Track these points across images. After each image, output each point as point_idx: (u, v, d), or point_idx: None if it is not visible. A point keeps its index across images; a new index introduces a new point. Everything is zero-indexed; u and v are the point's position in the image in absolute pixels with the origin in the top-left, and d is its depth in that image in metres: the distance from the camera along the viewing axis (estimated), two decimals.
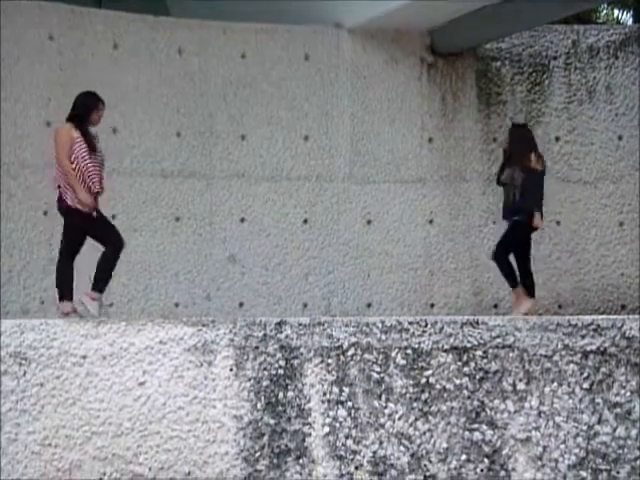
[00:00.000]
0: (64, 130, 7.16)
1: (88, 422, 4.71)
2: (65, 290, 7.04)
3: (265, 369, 4.71)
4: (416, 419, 4.64)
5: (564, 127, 10.55)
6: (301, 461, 4.66)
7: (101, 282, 6.98)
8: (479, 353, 4.65)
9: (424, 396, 4.66)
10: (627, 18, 15.87)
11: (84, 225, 7.07)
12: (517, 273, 8.64)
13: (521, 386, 4.64)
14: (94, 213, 7.07)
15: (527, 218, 8.51)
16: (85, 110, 7.21)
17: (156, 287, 9.68)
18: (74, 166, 7.02)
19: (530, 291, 8.61)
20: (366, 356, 4.69)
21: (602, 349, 4.61)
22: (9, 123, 9.31)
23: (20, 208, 9.37)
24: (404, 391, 4.66)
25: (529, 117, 10.54)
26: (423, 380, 4.66)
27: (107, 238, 7.09)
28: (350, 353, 4.70)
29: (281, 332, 4.74)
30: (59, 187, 7.14)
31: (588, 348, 4.63)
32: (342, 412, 4.67)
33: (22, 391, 4.73)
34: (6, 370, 4.76)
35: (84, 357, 4.74)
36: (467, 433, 4.62)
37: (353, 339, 4.70)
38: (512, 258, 8.68)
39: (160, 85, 9.76)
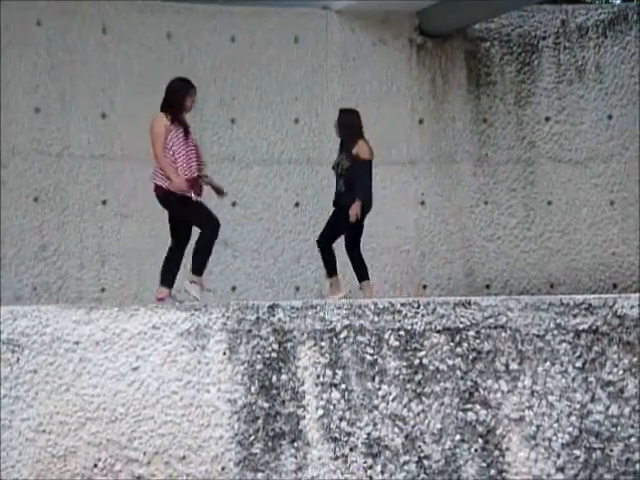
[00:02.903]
0: (158, 120, 7.19)
1: (82, 408, 4.71)
2: (164, 275, 7.12)
3: (258, 352, 4.71)
4: (410, 400, 4.66)
5: (554, 107, 10.55)
6: (296, 444, 4.67)
7: (199, 265, 7.06)
8: (472, 333, 4.67)
9: (417, 377, 4.67)
10: None
11: (181, 210, 7.09)
12: (336, 262, 8.32)
13: (514, 366, 4.65)
14: (192, 197, 7.08)
15: (351, 205, 8.18)
16: (179, 97, 7.22)
17: (149, 272, 9.67)
18: (170, 153, 7.08)
19: (365, 274, 8.38)
20: (359, 338, 4.70)
21: (594, 328, 4.63)
22: None
23: (11, 195, 9.35)
24: (397, 372, 4.67)
25: (519, 97, 10.54)
26: (416, 361, 4.67)
27: (203, 221, 7.12)
28: (343, 335, 4.71)
29: (274, 315, 4.74)
30: (155, 174, 7.18)
31: (580, 327, 4.65)
32: (336, 394, 4.69)
33: (15, 378, 4.73)
34: None
35: (77, 343, 4.74)
36: (461, 413, 4.64)
37: (346, 321, 4.71)
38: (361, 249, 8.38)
39: (149, 69, 9.72)
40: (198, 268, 7.16)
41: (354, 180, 8.22)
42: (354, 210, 8.15)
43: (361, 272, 8.38)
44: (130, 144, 9.70)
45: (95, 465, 4.73)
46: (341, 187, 8.34)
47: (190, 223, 7.27)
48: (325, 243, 8.35)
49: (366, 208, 8.36)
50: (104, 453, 4.72)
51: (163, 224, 9.95)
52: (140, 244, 9.67)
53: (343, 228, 8.28)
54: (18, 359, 4.77)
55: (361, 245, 8.52)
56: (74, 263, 9.51)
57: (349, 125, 8.39)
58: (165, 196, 7.19)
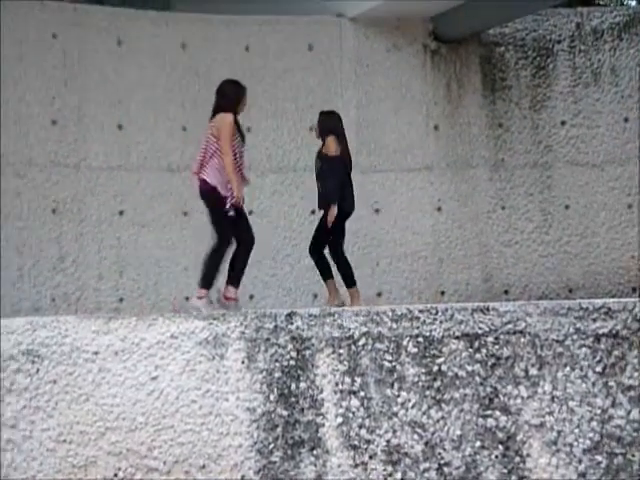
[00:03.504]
0: (229, 119, 7.04)
1: (102, 418, 4.72)
2: (206, 277, 7.03)
3: (277, 361, 4.71)
4: (429, 407, 4.64)
5: (570, 111, 10.52)
6: (315, 452, 4.66)
7: (234, 279, 6.99)
8: (490, 339, 4.65)
9: (436, 384, 4.66)
10: None
11: (219, 213, 7.00)
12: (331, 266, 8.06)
13: (533, 371, 4.63)
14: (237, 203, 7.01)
15: (327, 208, 7.93)
16: (235, 99, 7.17)
17: (166, 282, 9.70)
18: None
19: (351, 280, 8.13)
20: (377, 345, 4.69)
21: (614, 332, 4.60)
22: (15, 122, 9.32)
23: (29, 207, 9.39)
24: (416, 379, 4.66)
25: (535, 101, 10.52)
26: (435, 368, 4.66)
27: (241, 234, 7.06)
28: (361, 343, 4.70)
29: (292, 323, 4.74)
30: (203, 169, 7.09)
31: (600, 331, 4.62)
32: (355, 402, 4.68)
33: (35, 388, 4.75)
34: (19, 368, 4.78)
35: (96, 353, 4.75)
36: (481, 420, 4.62)
37: (364, 328, 4.70)
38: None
39: (164, 80, 9.76)
40: (233, 282, 7.08)
41: (326, 179, 7.97)
42: (330, 217, 7.88)
43: (347, 278, 8.21)
44: (146, 154, 9.74)
45: (115, 475, 4.74)
46: (319, 189, 8.11)
47: (224, 229, 7.14)
48: (315, 249, 8.10)
49: (348, 210, 8.11)
50: (124, 462, 4.73)
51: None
52: (158, 254, 9.70)
53: (324, 232, 8.02)
54: (38, 370, 4.79)
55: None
56: (92, 274, 9.54)
57: (324, 126, 8.13)
58: (209, 193, 7.07)
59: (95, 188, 9.62)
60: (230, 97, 7.15)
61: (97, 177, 9.63)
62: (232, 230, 7.05)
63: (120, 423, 4.73)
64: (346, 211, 8.12)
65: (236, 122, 7.12)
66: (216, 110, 7.18)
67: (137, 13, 9.77)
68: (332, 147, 8.00)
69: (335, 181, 7.95)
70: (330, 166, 7.96)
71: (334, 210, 7.91)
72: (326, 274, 8.10)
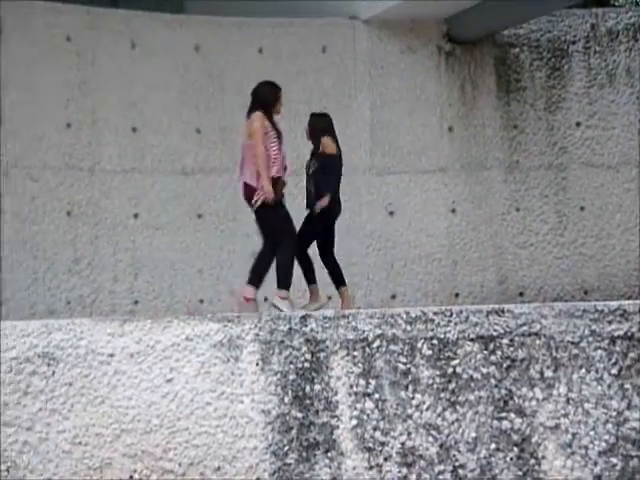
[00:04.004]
0: (259, 117, 7.14)
1: (117, 420, 4.73)
2: (254, 275, 7.03)
3: (291, 363, 4.71)
4: (444, 409, 4.64)
5: (585, 112, 10.49)
6: (330, 454, 4.66)
7: (283, 280, 6.98)
8: (505, 341, 4.64)
9: (451, 386, 4.65)
10: None
11: (264, 215, 7.01)
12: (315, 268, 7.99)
13: (549, 373, 4.62)
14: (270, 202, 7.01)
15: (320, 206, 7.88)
16: (268, 100, 7.21)
17: (181, 284, 9.72)
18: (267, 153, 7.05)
19: (341, 280, 8.08)
20: (392, 347, 4.68)
21: (629, 334, 4.59)
22: (29, 125, 9.36)
23: (44, 210, 9.43)
24: (431, 381, 4.65)
25: (549, 102, 10.49)
26: (450, 370, 4.65)
27: (284, 233, 7.05)
28: (376, 345, 4.70)
29: (306, 326, 4.74)
30: (245, 173, 7.11)
31: (615, 334, 4.61)
32: (369, 404, 4.68)
33: (51, 391, 4.77)
34: (35, 370, 4.80)
35: (111, 355, 4.77)
36: (495, 422, 4.61)
37: (378, 331, 4.70)
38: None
39: (178, 83, 9.78)
40: (283, 284, 7.09)
41: (323, 175, 7.93)
42: (323, 202, 7.83)
43: (337, 278, 8.17)
44: (161, 157, 9.76)
45: (131, 477, 4.75)
46: (311, 188, 8.08)
47: (269, 232, 7.14)
48: (299, 249, 7.94)
49: (336, 212, 8.09)
50: (140, 464, 4.74)
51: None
52: (172, 256, 9.72)
53: (315, 232, 7.98)
54: (53, 372, 4.80)
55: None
56: (107, 276, 9.57)
57: (316, 128, 8.14)
58: (251, 195, 7.10)
59: (109, 191, 9.65)
60: (262, 98, 7.23)
61: (111, 180, 9.66)
62: (289, 222, 7.04)
63: (135, 425, 4.74)
64: (338, 212, 8.14)
65: (271, 120, 7.16)
66: (249, 112, 7.25)
67: (151, 16, 9.79)
68: (332, 146, 8.02)
69: (337, 177, 7.96)
70: (331, 163, 7.95)
71: (326, 200, 7.84)
72: (312, 277, 7.99)
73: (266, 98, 7.25)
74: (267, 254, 7.12)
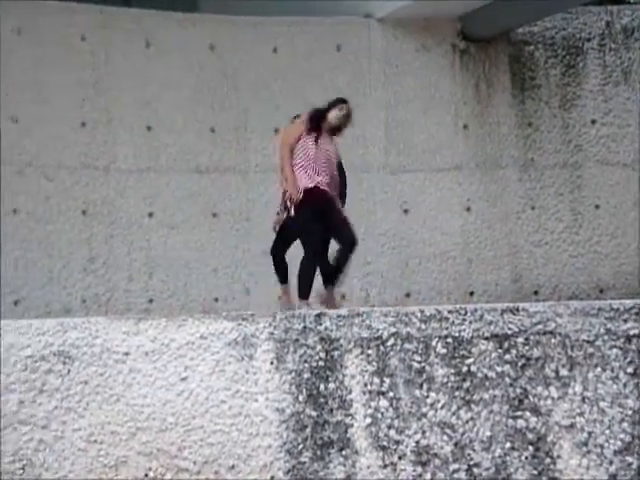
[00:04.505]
0: (291, 126, 7.31)
1: (132, 418, 4.75)
2: (327, 277, 7.06)
3: (305, 361, 4.72)
4: (458, 408, 4.63)
5: (600, 109, 10.45)
6: (344, 452, 4.66)
7: (302, 289, 7.03)
8: (520, 340, 4.63)
9: (466, 384, 4.64)
10: None
11: (296, 220, 7.03)
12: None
13: (564, 372, 4.61)
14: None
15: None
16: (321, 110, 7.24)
17: (195, 283, 9.73)
18: (296, 161, 7.09)
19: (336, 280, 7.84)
20: (406, 346, 4.68)
21: None
22: (44, 124, 9.39)
23: (58, 209, 9.46)
24: (445, 380, 4.65)
25: (564, 100, 10.46)
26: (464, 369, 4.64)
27: (306, 241, 7.09)
28: (390, 343, 4.70)
29: (320, 324, 4.74)
30: (280, 184, 7.16)
31: (631, 332, 4.59)
32: (384, 402, 4.67)
33: (67, 389, 4.78)
34: (50, 369, 4.81)
35: (126, 354, 4.78)
36: (510, 421, 4.61)
37: (393, 329, 4.69)
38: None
39: (193, 81, 9.79)
40: (302, 294, 7.16)
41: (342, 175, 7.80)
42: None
43: (333, 278, 8.12)
44: (175, 156, 9.78)
45: (146, 475, 4.76)
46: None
47: (299, 236, 7.19)
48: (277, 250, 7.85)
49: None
50: (155, 462, 4.75)
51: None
52: (187, 255, 9.73)
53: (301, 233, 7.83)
54: (69, 370, 4.82)
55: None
56: (122, 275, 9.59)
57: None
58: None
59: (124, 190, 9.67)
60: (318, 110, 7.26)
61: (126, 179, 9.68)
62: (318, 235, 7.05)
63: (150, 423, 4.76)
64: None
65: (317, 129, 7.14)
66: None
67: (165, 15, 9.81)
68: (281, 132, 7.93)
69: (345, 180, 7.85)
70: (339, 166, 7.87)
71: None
72: (285, 277, 7.87)
73: (317, 109, 7.31)
74: (340, 255, 7.18)
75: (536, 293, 10.28)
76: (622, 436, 4.57)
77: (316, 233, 7.10)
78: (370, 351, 4.71)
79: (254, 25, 9.95)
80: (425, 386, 4.67)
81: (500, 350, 4.66)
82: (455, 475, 4.63)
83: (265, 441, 4.71)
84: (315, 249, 7.11)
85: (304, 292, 7.11)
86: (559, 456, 4.61)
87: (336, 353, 4.72)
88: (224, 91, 9.85)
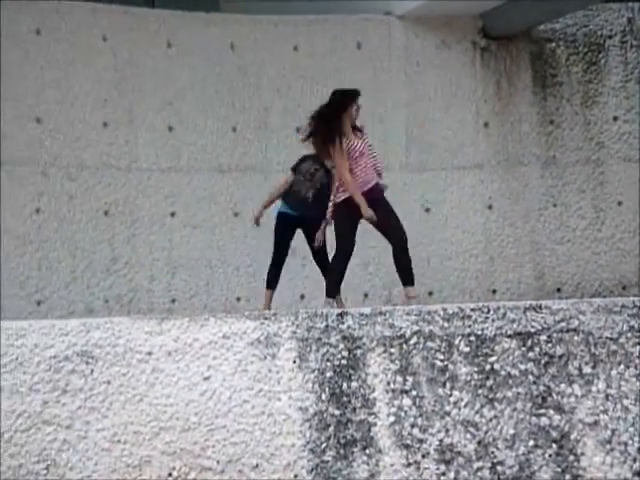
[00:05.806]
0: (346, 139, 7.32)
1: (156, 418, 4.76)
2: (332, 284, 7.13)
3: (328, 360, 4.72)
4: (482, 406, 4.62)
5: (622, 106, 10.39)
6: (367, 451, 4.66)
7: (331, 287, 7.08)
8: (543, 338, 4.62)
9: (489, 383, 4.63)
10: None
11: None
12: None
13: (587, 370, 4.59)
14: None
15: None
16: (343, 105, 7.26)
17: (217, 282, 9.75)
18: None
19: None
20: (429, 344, 4.67)
21: None
22: (67, 125, 9.44)
23: (81, 209, 9.50)
24: (469, 378, 4.64)
25: (586, 97, 10.41)
26: (487, 367, 4.63)
27: (340, 239, 7.12)
28: (413, 342, 4.69)
29: (343, 323, 4.74)
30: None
31: None
32: (407, 401, 4.67)
33: (90, 389, 4.80)
34: (74, 369, 4.83)
35: (149, 354, 4.80)
36: (534, 419, 4.59)
37: (415, 327, 4.69)
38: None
39: (214, 81, 9.82)
40: (330, 292, 7.20)
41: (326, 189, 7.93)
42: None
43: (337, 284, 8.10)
44: (197, 156, 9.80)
45: (170, 474, 4.78)
46: (305, 196, 8.08)
47: (336, 236, 7.25)
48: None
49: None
50: (178, 462, 4.77)
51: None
52: (209, 255, 9.75)
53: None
54: (92, 370, 4.84)
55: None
56: (145, 275, 9.62)
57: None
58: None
59: (146, 190, 9.71)
60: (334, 104, 7.25)
61: (148, 179, 9.71)
62: (354, 239, 7.06)
63: (174, 423, 4.77)
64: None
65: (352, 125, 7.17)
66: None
67: (186, 15, 9.83)
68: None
69: None
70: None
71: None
72: (274, 283, 8.01)
73: (340, 104, 7.31)
74: (395, 254, 7.23)
75: (559, 290, 10.24)
76: None
77: (353, 237, 7.16)
78: (393, 349, 4.71)
79: (275, 24, 9.96)
80: (448, 384, 4.67)
81: (523, 348, 4.65)
82: (479, 473, 4.62)
83: (288, 440, 4.72)
84: (350, 252, 7.14)
85: (331, 290, 7.11)
86: (583, 453, 4.59)
87: (359, 352, 4.72)
88: (245, 90, 9.86)
